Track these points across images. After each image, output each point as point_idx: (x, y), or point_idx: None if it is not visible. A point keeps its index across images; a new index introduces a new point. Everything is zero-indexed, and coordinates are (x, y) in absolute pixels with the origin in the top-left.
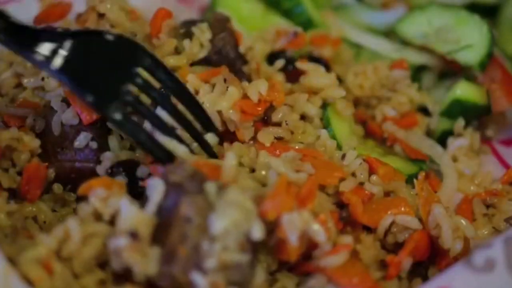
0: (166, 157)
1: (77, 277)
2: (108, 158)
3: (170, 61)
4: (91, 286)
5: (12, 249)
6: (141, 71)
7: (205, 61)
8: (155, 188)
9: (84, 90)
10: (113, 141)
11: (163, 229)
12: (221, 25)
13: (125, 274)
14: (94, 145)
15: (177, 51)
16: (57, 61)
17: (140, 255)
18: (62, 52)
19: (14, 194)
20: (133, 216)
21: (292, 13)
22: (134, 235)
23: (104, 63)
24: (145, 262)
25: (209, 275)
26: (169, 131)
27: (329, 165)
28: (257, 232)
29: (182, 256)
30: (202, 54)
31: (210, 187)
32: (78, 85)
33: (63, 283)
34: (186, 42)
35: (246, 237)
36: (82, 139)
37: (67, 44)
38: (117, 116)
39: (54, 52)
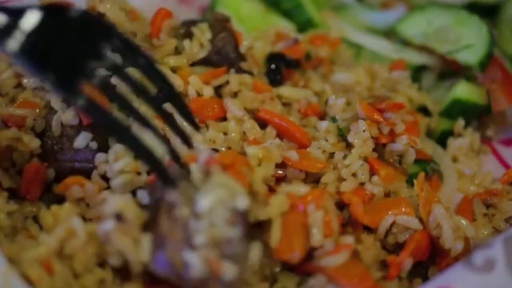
0: (142, 151)
1: (77, 277)
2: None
3: (170, 61)
4: (91, 286)
5: (12, 249)
6: (109, 52)
7: (205, 61)
8: None
9: (44, 71)
10: (113, 142)
11: (154, 220)
12: (221, 25)
13: (125, 271)
14: (94, 145)
15: (177, 51)
16: (14, 41)
17: (130, 239)
18: (20, 31)
19: (14, 194)
20: (116, 200)
21: (292, 13)
22: (119, 216)
23: (68, 43)
24: (137, 249)
25: (201, 251)
26: (144, 121)
27: (312, 157)
28: (242, 203)
29: (172, 238)
30: (202, 54)
31: (196, 173)
32: (37, 66)
33: (63, 283)
34: (186, 42)
35: (233, 211)
36: (82, 140)
37: (25, 21)
38: (81, 100)
39: (10, 31)
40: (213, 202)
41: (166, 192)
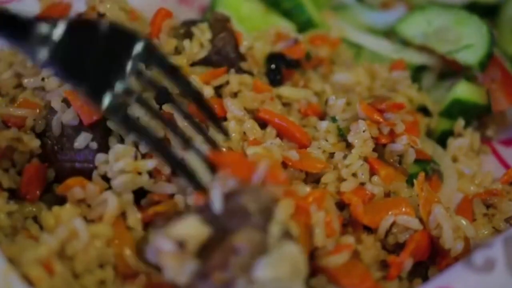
0: (174, 162)
1: (77, 277)
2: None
3: None
4: (92, 286)
5: (12, 249)
6: (140, 65)
7: (205, 61)
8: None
9: (77, 80)
10: (113, 142)
11: (212, 245)
12: (221, 25)
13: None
14: (94, 145)
15: (177, 51)
16: (46, 50)
17: (179, 264)
18: (53, 41)
19: (14, 194)
20: (188, 225)
21: (292, 13)
22: (182, 245)
23: (101, 54)
24: (179, 271)
25: None
26: (177, 132)
27: (312, 157)
28: None
29: (215, 281)
30: (202, 54)
31: (275, 229)
32: (70, 75)
33: (63, 283)
34: (186, 42)
35: None
36: (82, 140)
37: (58, 32)
38: (112, 108)
39: (44, 41)
40: (273, 278)
41: (239, 232)
